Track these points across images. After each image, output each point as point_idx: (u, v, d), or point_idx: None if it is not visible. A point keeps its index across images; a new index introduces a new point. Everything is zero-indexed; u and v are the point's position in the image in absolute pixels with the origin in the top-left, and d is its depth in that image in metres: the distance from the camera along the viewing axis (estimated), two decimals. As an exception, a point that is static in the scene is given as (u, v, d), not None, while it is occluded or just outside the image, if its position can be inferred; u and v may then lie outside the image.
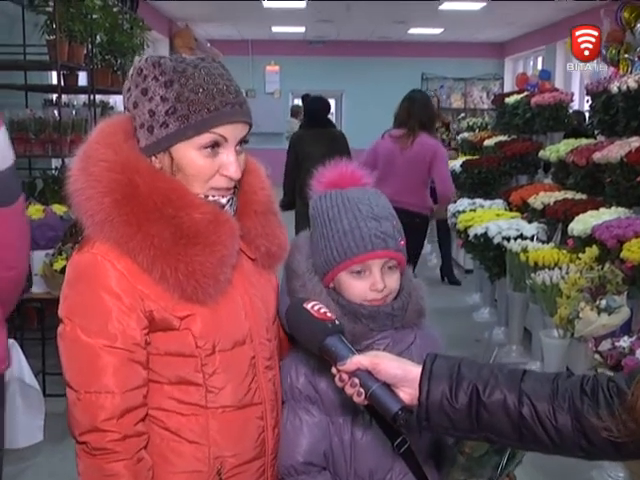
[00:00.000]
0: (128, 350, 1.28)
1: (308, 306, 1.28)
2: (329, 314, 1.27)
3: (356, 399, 1.21)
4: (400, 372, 1.21)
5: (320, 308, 1.28)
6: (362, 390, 1.20)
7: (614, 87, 5.20)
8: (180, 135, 1.29)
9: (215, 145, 1.31)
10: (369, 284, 1.41)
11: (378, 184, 1.61)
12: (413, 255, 5.48)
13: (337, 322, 1.26)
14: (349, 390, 1.21)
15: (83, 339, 1.27)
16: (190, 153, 1.30)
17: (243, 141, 1.35)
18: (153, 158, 1.33)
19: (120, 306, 1.28)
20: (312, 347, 1.26)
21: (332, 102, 15.86)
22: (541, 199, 5.54)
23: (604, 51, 5.94)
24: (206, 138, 1.30)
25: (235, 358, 1.37)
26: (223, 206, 1.36)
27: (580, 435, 1.12)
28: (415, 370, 1.21)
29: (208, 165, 1.31)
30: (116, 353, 1.27)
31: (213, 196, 1.34)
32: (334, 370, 1.23)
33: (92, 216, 1.28)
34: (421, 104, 4.97)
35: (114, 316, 1.27)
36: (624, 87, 5.08)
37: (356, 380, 1.20)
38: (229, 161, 1.32)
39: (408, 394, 1.20)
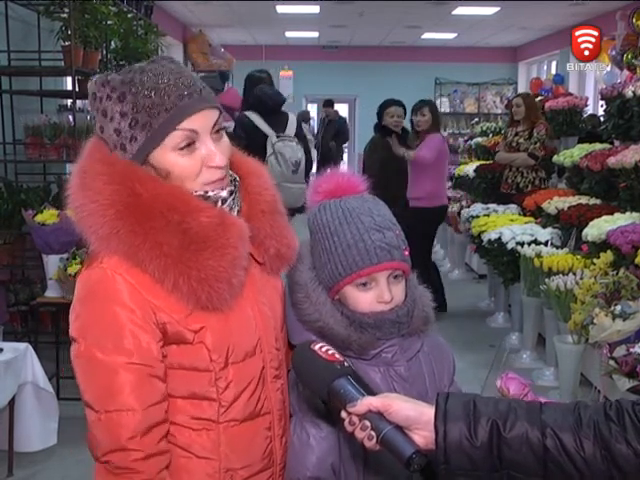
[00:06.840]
0: (145, 365, 1.25)
1: (315, 347, 1.23)
2: (337, 355, 1.23)
3: (367, 444, 1.16)
4: (413, 413, 1.15)
5: (328, 349, 1.23)
6: (373, 434, 1.15)
7: (629, 91, 5.18)
8: (151, 143, 1.26)
9: (190, 142, 1.27)
10: (376, 296, 1.38)
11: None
12: (424, 244, 5.74)
13: (346, 364, 1.22)
14: (359, 434, 1.16)
15: (99, 357, 1.24)
16: (169, 157, 1.27)
17: (220, 127, 1.31)
18: None
19: (134, 320, 1.24)
20: (320, 390, 1.21)
21: (345, 107, 15.93)
22: (555, 204, 5.52)
23: (618, 56, 5.91)
24: (177, 137, 1.26)
25: (246, 370, 1.34)
26: (225, 200, 1.32)
27: (610, 464, 1.06)
28: (429, 411, 1.14)
29: (191, 162, 1.28)
30: (134, 369, 1.24)
31: (212, 191, 1.31)
32: (344, 414, 1.18)
33: (96, 231, 1.25)
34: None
35: (128, 331, 1.24)
36: (639, 92, 5.06)
37: (367, 423, 1.15)
38: (210, 151, 1.28)
39: (422, 437, 1.14)
